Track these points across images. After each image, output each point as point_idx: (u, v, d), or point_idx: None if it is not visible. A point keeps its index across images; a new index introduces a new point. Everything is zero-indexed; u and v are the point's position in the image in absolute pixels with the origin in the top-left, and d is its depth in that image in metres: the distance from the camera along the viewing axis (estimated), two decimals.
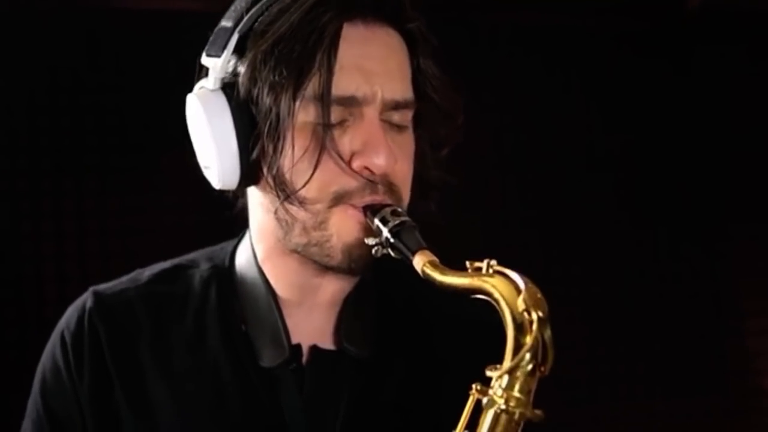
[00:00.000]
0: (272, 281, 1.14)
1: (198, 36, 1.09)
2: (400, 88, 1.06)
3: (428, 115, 1.12)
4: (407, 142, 1.10)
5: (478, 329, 1.08)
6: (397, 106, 1.06)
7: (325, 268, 1.09)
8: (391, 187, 1.06)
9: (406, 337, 1.18)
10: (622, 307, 2.58)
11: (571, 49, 2.58)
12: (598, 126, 2.62)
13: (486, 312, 0.93)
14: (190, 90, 1.10)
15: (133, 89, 2.22)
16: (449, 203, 1.18)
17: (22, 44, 2.16)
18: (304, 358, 1.13)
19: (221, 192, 1.13)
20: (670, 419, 2.62)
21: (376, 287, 1.18)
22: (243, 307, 1.15)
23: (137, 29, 2.22)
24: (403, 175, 1.09)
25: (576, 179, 2.59)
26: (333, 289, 1.15)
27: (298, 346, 1.13)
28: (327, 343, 1.15)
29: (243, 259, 1.18)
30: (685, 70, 2.67)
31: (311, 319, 1.15)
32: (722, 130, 2.66)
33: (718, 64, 2.64)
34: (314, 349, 1.14)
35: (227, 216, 1.19)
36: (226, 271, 1.19)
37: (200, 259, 1.23)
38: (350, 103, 1.03)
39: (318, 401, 1.12)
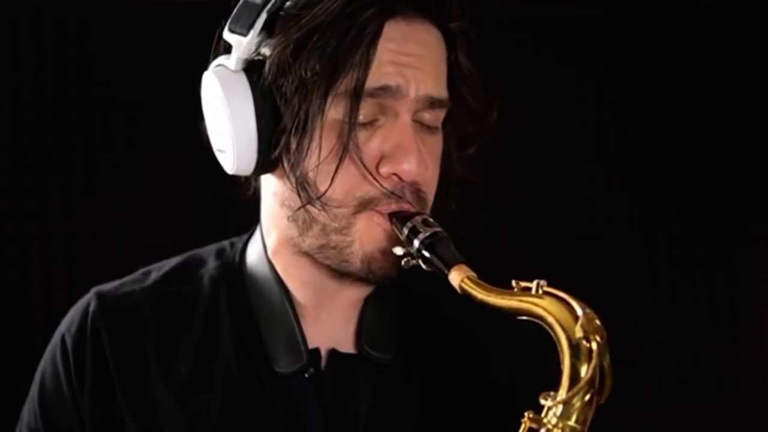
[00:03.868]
0: (285, 279, 1.10)
1: (192, 28, 1.04)
2: (436, 86, 1.03)
3: (458, 113, 1.09)
4: (437, 144, 1.07)
5: (508, 336, 1.05)
6: (431, 103, 1.02)
7: (341, 274, 1.05)
8: (418, 194, 1.03)
9: (430, 339, 1.14)
10: (632, 311, 2.50)
11: (583, 41, 2.49)
12: (610, 122, 2.55)
13: (517, 321, 0.90)
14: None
15: (123, 83, 2.13)
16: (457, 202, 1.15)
17: (5, 36, 2.10)
18: (323, 363, 1.08)
19: (231, 177, 1.08)
20: (683, 426, 2.57)
21: (398, 286, 1.14)
22: (256, 308, 1.11)
23: (127, 20, 2.15)
24: (432, 180, 1.06)
25: (587, 178, 2.51)
26: (351, 292, 1.10)
27: (316, 351, 1.08)
28: (346, 346, 1.10)
29: (254, 257, 1.14)
30: (705, 63, 2.58)
31: (329, 320, 1.10)
32: (742, 126, 2.58)
33: (736, 56, 2.55)
34: (333, 353, 1.09)
35: (223, 217, 1.14)
36: (236, 269, 1.14)
37: (208, 256, 1.18)
38: (383, 95, 0.99)
39: (338, 408, 1.07)
